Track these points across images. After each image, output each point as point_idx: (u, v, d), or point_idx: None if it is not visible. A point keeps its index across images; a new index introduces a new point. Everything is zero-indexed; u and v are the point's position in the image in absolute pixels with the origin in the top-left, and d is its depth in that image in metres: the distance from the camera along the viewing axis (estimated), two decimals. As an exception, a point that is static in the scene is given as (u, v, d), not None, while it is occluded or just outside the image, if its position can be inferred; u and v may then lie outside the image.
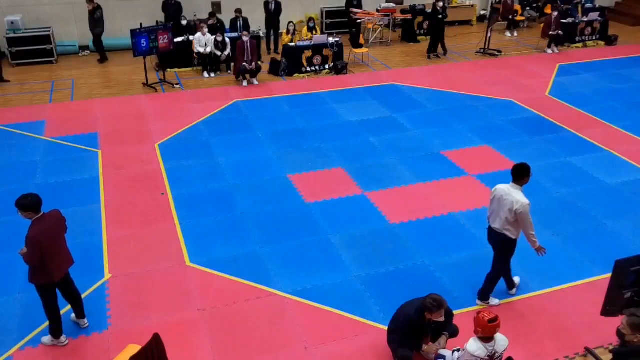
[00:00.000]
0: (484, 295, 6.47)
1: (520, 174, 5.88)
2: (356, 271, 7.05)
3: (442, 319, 5.22)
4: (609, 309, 5.25)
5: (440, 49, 15.59)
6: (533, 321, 6.28)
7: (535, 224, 8.03)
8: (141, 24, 12.86)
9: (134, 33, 12.37)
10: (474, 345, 4.83)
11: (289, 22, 14.55)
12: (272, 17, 15.33)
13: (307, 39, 14.37)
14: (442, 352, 5.48)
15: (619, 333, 4.24)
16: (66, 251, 5.76)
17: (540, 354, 5.85)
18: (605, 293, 5.35)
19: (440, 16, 15.07)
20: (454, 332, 5.61)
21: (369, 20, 16.36)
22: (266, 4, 15.21)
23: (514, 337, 5.99)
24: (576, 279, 6.95)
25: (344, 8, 16.85)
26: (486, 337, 4.82)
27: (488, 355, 4.83)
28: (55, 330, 5.82)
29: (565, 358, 5.82)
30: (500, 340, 4.90)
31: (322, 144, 10.42)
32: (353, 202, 8.52)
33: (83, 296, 6.30)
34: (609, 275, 5.29)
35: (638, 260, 5.08)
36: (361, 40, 15.76)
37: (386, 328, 5.98)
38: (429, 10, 15.86)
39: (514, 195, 5.87)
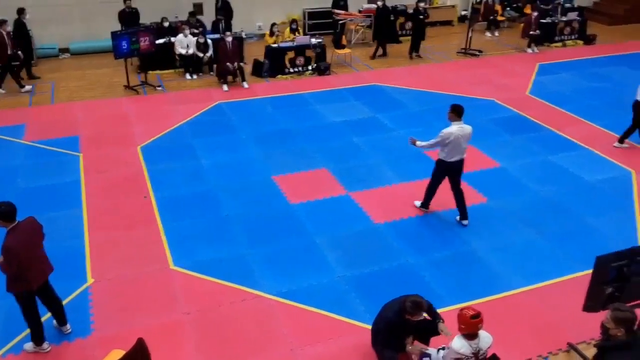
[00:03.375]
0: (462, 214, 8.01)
1: (462, 111, 7.56)
2: (341, 271, 7.06)
3: (422, 318, 5.26)
4: (590, 305, 5.32)
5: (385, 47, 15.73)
6: (516, 318, 6.34)
7: (518, 222, 8.20)
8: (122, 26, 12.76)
9: (114, 35, 12.26)
10: (458, 342, 4.86)
11: (272, 24, 14.53)
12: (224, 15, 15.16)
13: (289, 40, 14.36)
14: (427, 350, 5.51)
15: (603, 327, 4.31)
16: (44, 258, 5.67)
17: (524, 351, 5.91)
18: (586, 289, 5.42)
19: (421, 16, 15.16)
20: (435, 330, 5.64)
21: (351, 20, 16.40)
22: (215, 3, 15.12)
23: (497, 334, 6.04)
24: (558, 275, 7.03)
25: (331, 8, 16.86)
26: (470, 334, 4.85)
27: (472, 353, 4.86)
28: (37, 336, 5.73)
29: (549, 354, 5.89)
30: (485, 337, 4.94)
31: (306, 145, 10.41)
32: (337, 203, 8.53)
33: (65, 301, 6.24)
34: (590, 271, 5.36)
35: (618, 256, 5.15)
36: (343, 41, 15.79)
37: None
38: (411, 11, 15.94)
39: (467, 129, 7.58)
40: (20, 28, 13.05)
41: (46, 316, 6.00)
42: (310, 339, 6.03)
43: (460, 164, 7.79)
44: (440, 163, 7.83)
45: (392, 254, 7.40)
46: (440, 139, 7.58)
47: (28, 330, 5.79)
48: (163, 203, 8.49)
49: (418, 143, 7.89)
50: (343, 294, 6.69)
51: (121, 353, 4.99)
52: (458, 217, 8.04)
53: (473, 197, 8.69)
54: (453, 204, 8.44)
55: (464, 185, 8.99)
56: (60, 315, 5.99)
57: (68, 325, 6.06)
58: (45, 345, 5.81)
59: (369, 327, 6.07)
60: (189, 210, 8.32)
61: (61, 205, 8.38)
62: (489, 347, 4.97)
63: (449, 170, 7.81)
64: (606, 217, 8.23)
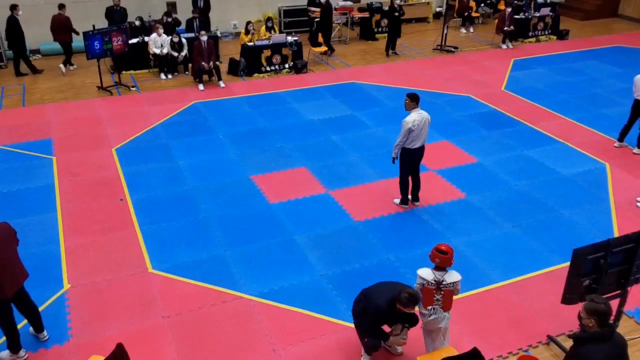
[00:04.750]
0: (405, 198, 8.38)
1: (419, 98, 7.83)
2: (322, 270, 7.04)
3: (413, 311, 5.29)
4: (568, 297, 5.38)
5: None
6: (496, 312, 6.40)
7: (495, 216, 8.27)
8: (94, 26, 12.54)
9: (86, 35, 12.04)
10: (423, 270, 5.39)
11: (248, 22, 14.44)
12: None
13: (265, 39, 14.28)
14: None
15: (579, 317, 4.37)
16: (19, 265, 5.53)
17: (504, 345, 5.96)
18: (564, 281, 5.48)
19: (397, 14, 15.22)
20: (414, 322, 5.65)
21: (326, 18, 16.36)
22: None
23: (477, 329, 6.11)
24: (536, 268, 7.12)
25: (306, 6, 16.82)
26: (438, 267, 5.31)
27: (435, 281, 5.29)
28: (13, 344, 5.61)
29: (529, 347, 5.95)
30: (453, 273, 5.32)
31: (284, 143, 10.37)
32: (317, 201, 8.51)
33: (42, 308, 6.13)
34: (567, 264, 5.42)
35: (594, 248, 5.22)
36: (320, 39, 15.76)
37: (354, 326, 6.00)
38: (386, 8, 15.99)
39: (425, 114, 7.82)
40: (13, 24, 13.08)
41: (22, 323, 5.88)
42: (293, 338, 6.01)
43: (422, 150, 8.06)
44: (404, 152, 8.00)
45: (373, 251, 7.41)
46: (405, 130, 7.77)
47: (4, 338, 5.65)
48: (140, 205, 8.37)
49: (394, 152, 8.05)
50: (324, 293, 6.67)
51: (100, 359, 4.91)
52: (410, 198, 8.39)
53: (451, 192, 8.76)
54: (432, 200, 8.51)
55: (442, 181, 9.07)
56: (36, 322, 5.86)
57: (45, 332, 5.94)
58: (22, 352, 5.68)
59: (351, 325, 6.07)
60: (166, 212, 8.22)
61: (35, 210, 8.21)
62: (454, 282, 5.30)
63: (412, 157, 8.02)
64: (582, 210, 8.35)
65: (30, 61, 13.89)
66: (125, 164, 9.56)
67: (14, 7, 13.04)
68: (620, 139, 10.21)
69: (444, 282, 5.28)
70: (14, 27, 13.11)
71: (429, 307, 5.35)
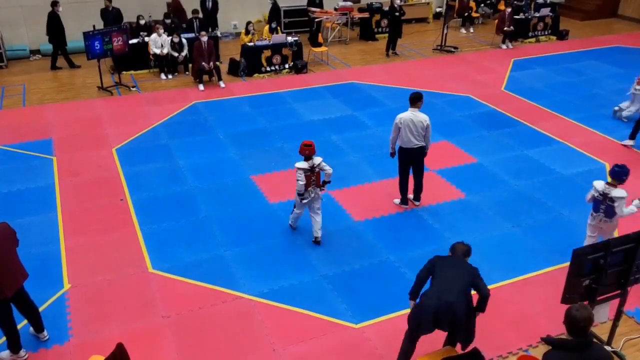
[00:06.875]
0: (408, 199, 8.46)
1: (416, 100, 7.88)
2: (322, 270, 7.05)
3: None
4: (568, 297, 5.38)
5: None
6: (496, 312, 6.38)
7: (495, 216, 8.27)
8: (94, 26, 12.55)
9: (86, 35, 12.05)
10: (300, 163, 7.01)
11: (248, 22, 14.44)
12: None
13: (266, 39, 14.29)
14: None
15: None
16: (18, 265, 5.54)
17: (504, 345, 5.97)
18: (564, 281, 5.48)
19: (397, 13, 15.22)
20: None
21: (326, 19, 16.39)
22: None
23: (477, 329, 6.09)
24: (536, 268, 7.12)
25: (306, 6, 16.84)
26: (305, 157, 7.01)
27: (309, 167, 7.00)
28: (14, 344, 5.61)
29: (529, 347, 5.96)
30: (317, 158, 7.06)
31: (284, 143, 10.37)
32: (317, 201, 8.52)
33: (42, 308, 6.13)
34: (567, 264, 5.42)
35: (594, 248, 5.22)
36: (320, 39, 15.77)
37: (354, 326, 6.02)
38: (387, 9, 16.00)
39: (420, 116, 7.81)
40: (54, 20, 13.56)
41: (22, 323, 5.88)
42: (293, 338, 6.01)
43: (418, 150, 7.96)
44: (399, 151, 8.07)
45: (373, 251, 7.41)
46: (393, 125, 7.93)
47: (4, 338, 5.66)
48: (140, 205, 8.38)
49: (390, 147, 8.22)
50: (325, 293, 6.68)
51: (100, 359, 4.91)
52: (412, 197, 8.46)
53: (451, 192, 8.76)
54: (432, 200, 8.51)
55: (442, 181, 9.07)
56: (37, 322, 5.86)
57: (45, 332, 5.94)
58: (22, 353, 5.69)
59: (352, 325, 6.10)
60: (166, 212, 8.22)
61: (35, 210, 8.21)
62: (319, 163, 7.06)
63: (408, 157, 8.02)
64: (581, 210, 8.32)
65: (69, 55, 14.26)
66: (125, 164, 9.57)
67: (54, 4, 13.40)
68: (632, 137, 10.17)
69: (315, 165, 7.00)
70: (55, 23, 13.50)
71: (309, 189, 7.05)
